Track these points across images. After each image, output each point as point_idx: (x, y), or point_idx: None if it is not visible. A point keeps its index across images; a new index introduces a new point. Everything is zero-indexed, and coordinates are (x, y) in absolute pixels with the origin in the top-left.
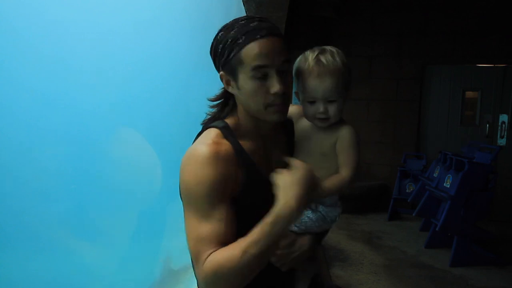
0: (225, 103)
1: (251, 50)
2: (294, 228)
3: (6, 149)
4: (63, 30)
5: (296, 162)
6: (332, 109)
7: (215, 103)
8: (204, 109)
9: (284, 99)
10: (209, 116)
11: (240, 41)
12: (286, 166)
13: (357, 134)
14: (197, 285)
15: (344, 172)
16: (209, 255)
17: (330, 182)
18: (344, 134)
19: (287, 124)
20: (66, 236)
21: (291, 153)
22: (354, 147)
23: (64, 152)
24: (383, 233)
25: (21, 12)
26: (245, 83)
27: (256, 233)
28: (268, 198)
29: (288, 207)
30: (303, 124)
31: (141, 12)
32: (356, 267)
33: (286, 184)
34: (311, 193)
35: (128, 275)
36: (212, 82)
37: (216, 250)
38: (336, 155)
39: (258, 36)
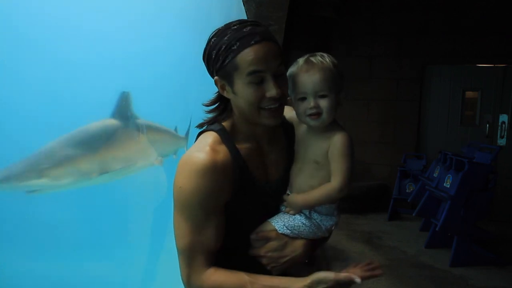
0: (223, 107)
1: (247, 56)
2: (287, 232)
3: (7, 148)
4: (64, 31)
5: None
6: (323, 104)
7: (211, 107)
8: (202, 109)
9: (280, 102)
10: (205, 120)
11: (235, 47)
12: (279, 169)
13: (351, 142)
14: (184, 284)
15: (334, 182)
16: (206, 266)
17: (319, 192)
18: (336, 141)
19: (288, 128)
20: (69, 237)
21: (291, 157)
22: (346, 156)
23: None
24: (383, 233)
25: (23, 11)
26: (241, 87)
27: (265, 279)
28: (257, 204)
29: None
30: (301, 130)
31: (142, 12)
32: None
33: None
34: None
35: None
36: (211, 82)
37: (215, 268)
38: (329, 164)
39: (253, 42)
